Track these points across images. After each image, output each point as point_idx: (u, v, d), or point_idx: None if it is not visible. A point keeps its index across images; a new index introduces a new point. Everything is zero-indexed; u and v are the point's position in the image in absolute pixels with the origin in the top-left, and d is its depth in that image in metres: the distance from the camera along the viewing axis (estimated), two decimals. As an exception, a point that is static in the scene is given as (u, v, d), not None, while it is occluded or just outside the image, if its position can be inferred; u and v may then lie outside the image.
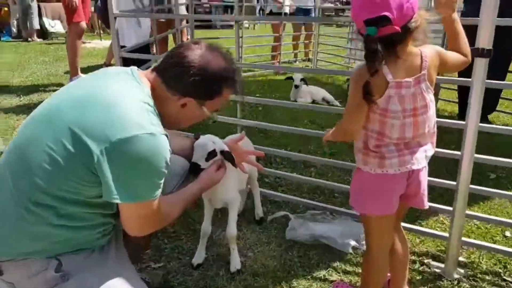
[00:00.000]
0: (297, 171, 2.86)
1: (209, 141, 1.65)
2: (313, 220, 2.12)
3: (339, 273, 1.86)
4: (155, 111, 1.23)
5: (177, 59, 1.28)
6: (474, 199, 2.33)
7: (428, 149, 1.39)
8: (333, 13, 9.25)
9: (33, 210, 1.14)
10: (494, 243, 2.04)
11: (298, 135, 3.23)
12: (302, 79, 4.65)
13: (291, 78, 4.79)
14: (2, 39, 9.11)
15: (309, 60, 7.16)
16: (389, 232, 1.49)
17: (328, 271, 1.86)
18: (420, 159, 1.35)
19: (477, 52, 1.54)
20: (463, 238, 1.84)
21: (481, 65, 1.57)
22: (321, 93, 4.77)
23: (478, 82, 1.60)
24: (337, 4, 15.24)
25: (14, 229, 1.16)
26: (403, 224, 2.03)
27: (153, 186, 1.19)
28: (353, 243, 1.96)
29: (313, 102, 4.67)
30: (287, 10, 6.73)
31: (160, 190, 1.21)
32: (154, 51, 4.03)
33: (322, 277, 1.83)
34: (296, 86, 4.64)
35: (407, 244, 1.62)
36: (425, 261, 1.93)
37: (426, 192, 1.43)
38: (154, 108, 1.23)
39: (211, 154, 1.62)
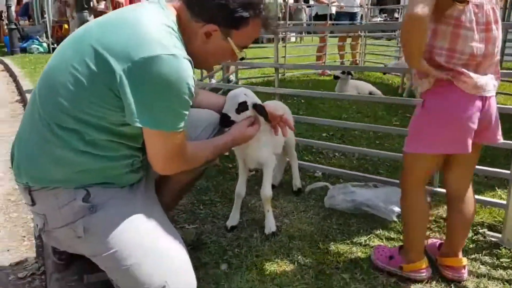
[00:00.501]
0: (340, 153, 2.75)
1: (241, 93, 1.60)
2: (356, 188, 1.99)
3: (381, 239, 1.73)
4: (180, 37, 1.18)
5: None
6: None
7: (495, 79, 1.29)
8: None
9: (58, 133, 1.13)
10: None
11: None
12: (345, 72, 4.52)
13: (338, 77, 4.66)
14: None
15: (356, 63, 6.98)
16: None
17: (370, 237, 1.74)
18: (492, 86, 1.27)
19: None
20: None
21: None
22: (367, 87, 4.61)
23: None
24: (387, 19, 14.98)
25: (42, 154, 1.16)
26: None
27: (175, 114, 1.14)
28: (398, 209, 1.81)
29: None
30: (333, 10, 6.54)
31: (184, 123, 1.16)
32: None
33: (363, 243, 1.70)
34: (336, 77, 4.48)
35: (475, 205, 1.48)
36: (481, 230, 1.75)
37: (499, 124, 1.33)
38: (179, 34, 1.19)
39: (242, 105, 1.56)
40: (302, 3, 14.72)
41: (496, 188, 2.09)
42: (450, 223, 1.48)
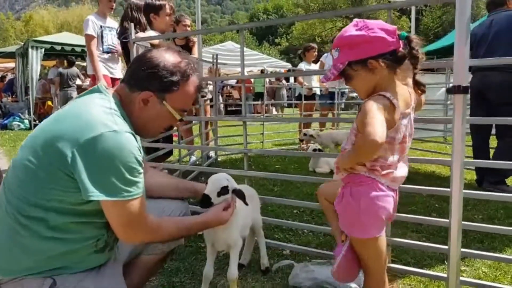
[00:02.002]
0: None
1: (224, 178, 1.74)
2: (316, 266, 2.11)
3: (340, 317, 1.82)
4: (122, 116, 1.33)
5: (135, 60, 1.46)
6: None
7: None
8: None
9: (24, 223, 1.24)
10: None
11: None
12: (317, 149, 4.81)
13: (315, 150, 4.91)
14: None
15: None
16: None
17: (330, 315, 1.82)
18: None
19: (454, 90, 1.67)
20: (462, 278, 1.78)
21: (459, 101, 1.68)
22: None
23: (459, 119, 1.70)
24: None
25: (12, 244, 1.25)
26: (405, 267, 2.02)
27: (126, 182, 1.24)
28: (354, 285, 1.93)
29: (331, 172, 4.77)
30: (318, 91, 6.95)
31: (137, 190, 1.27)
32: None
33: (323, 321, 1.79)
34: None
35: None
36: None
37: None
38: (121, 112, 1.34)
39: (224, 189, 1.69)
40: (284, 81, 15.68)
41: (446, 262, 2.23)
42: None
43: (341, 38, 1.42)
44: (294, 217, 3.12)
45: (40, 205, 1.24)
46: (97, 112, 1.28)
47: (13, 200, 1.27)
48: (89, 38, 4.44)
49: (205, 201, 1.66)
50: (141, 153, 1.31)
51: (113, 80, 4.56)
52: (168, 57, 1.41)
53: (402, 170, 1.48)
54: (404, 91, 1.43)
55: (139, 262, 1.64)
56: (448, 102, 6.40)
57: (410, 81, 1.48)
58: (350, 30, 1.40)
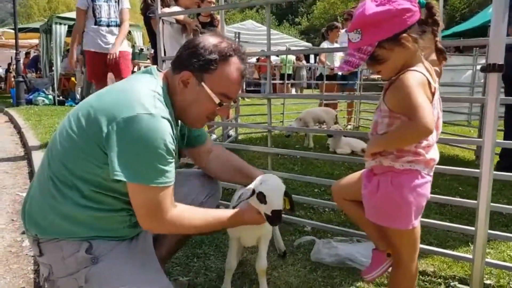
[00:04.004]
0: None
1: (281, 184, 1.50)
2: (339, 243, 2.13)
3: (362, 292, 1.84)
4: (165, 100, 1.32)
5: (183, 44, 1.45)
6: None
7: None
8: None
9: (61, 189, 1.29)
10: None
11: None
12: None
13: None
14: (66, 104, 10.13)
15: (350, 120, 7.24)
16: None
17: (351, 289, 1.85)
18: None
19: (489, 68, 1.62)
20: (488, 259, 1.78)
21: (493, 80, 1.64)
22: (360, 144, 4.83)
23: (493, 98, 1.66)
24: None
25: (50, 209, 1.30)
26: (429, 247, 2.02)
27: (153, 168, 1.22)
28: (377, 264, 1.94)
29: (352, 153, 4.75)
30: (340, 72, 6.70)
31: (163, 179, 1.24)
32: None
33: (345, 295, 1.82)
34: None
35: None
36: (452, 283, 1.87)
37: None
38: (164, 96, 1.33)
39: (287, 195, 1.49)
40: (304, 62, 15.50)
41: (470, 243, 2.23)
42: None
43: (363, 18, 1.26)
44: (315, 196, 3.13)
45: (76, 174, 1.28)
46: (139, 92, 1.28)
47: (54, 165, 1.31)
48: (77, 11, 4.39)
49: (279, 217, 1.39)
50: (174, 141, 1.29)
51: (104, 55, 4.31)
52: (210, 39, 1.39)
53: (435, 152, 1.40)
54: (427, 64, 1.35)
55: (168, 235, 1.68)
56: (476, 84, 6.22)
57: (430, 52, 1.39)
58: (371, 7, 1.26)
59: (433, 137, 1.35)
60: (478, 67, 5.63)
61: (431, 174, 1.40)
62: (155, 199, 1.26)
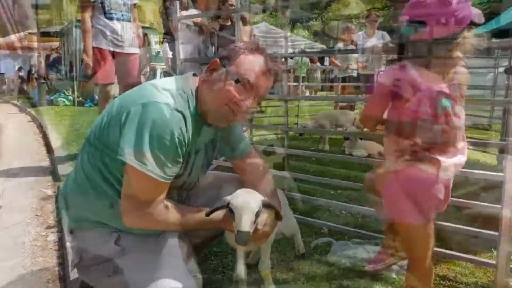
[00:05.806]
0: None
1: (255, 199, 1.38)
2: (356, 245, 2.12)
3: (380, 294, 1.82)
4: (187, 97, 1.35)
5: None
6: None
7: None
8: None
9: (98, 183, 1.34)
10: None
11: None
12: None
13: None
14: (85, 105, 10.33)
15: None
16: None
17: (369, 293, 1.83)
18: None
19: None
20: (512, 266, 1.74)
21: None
22: (376, 147, 4.78)
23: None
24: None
25: (85, 200, 1.36)
26: (451, 252, 1.99)
27: (153, 156, 1.23)
28: (396, 267, 1.92)
29: (369, 156, 4.70)
30: (354, 73, 6.62)
31: (159, 171, 1.24)
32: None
33: (363, 298, 1.80)
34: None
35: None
36: (475, 290, 1.84)
37: None
38: (190, 96, 1.36)
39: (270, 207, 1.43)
40: (318, 63, 15.43)
41: (493, 249, 2.18)
42: None
43: None
44: (331, 198, 3.11)
45: (111, 172, 1.33)
46: (164, 86, 1.33)
47: (91, 157, 1.37)
48: (83, 5, 3.83)
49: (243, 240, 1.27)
50: (184, 137, 1.29)
51: (117, 54, 3.95)
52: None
53: (460, 156, 1.47)
54: None
55: None
56: (497, 87, 6.08)
57: None
58: None
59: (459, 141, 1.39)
60: (501, 69, 5.50)
61: (452, 176, 1.42)
62: (141, 188, 1.26)
